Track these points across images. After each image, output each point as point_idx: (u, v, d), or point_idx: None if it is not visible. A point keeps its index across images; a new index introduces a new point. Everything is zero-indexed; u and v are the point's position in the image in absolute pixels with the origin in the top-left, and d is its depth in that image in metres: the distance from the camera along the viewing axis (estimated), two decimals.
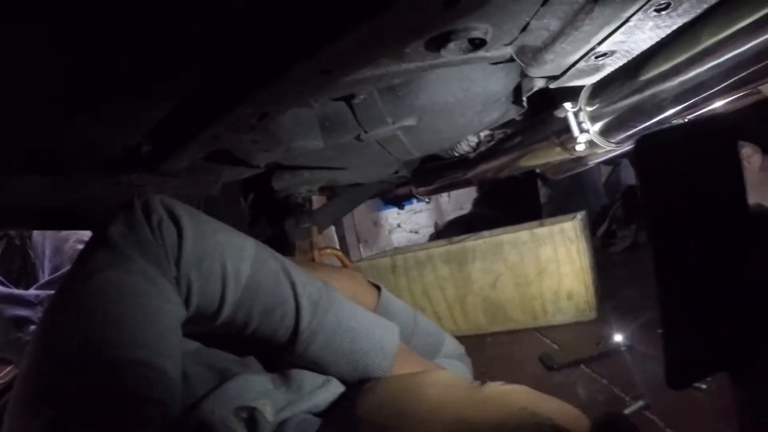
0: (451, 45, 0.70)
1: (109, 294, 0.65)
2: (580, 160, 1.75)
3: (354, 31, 0.52)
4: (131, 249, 0.68)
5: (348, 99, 0.99)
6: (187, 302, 0.72)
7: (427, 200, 2.13)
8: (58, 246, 2.25)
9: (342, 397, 0.80)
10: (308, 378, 0.80)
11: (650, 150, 0.39)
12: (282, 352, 0.80)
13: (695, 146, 0.41)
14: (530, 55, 0.84)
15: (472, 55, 0.80)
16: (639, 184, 0.39)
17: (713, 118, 0.41)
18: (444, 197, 3.42)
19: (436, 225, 3.15)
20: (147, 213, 0.71)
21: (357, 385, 0.80)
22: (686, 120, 0.37)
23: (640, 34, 0.80)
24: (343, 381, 0.82)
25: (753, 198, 0.42)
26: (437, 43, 0.71)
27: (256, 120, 0.79)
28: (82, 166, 0.99)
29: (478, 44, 0.73)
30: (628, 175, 3.31)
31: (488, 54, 0.83)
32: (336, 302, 0.82)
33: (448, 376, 0.76)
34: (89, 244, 0.72)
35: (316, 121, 1.04)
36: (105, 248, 0.69)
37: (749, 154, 1.85)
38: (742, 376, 0.46)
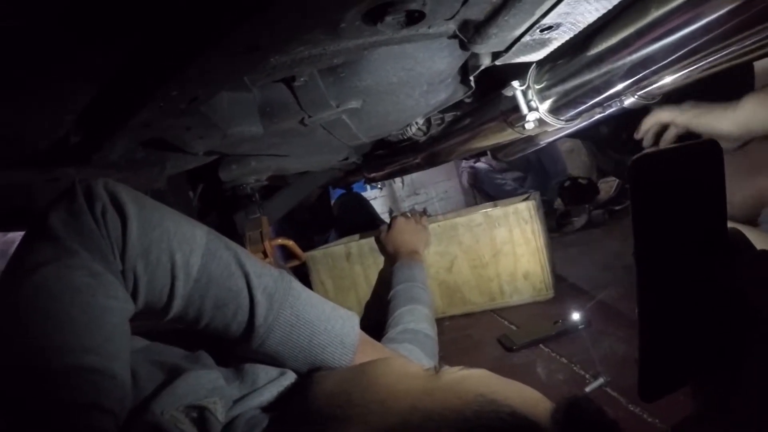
0: (389, 18, 0.67)
1: (51, 293, 0.60)
2: (531, 139, 1.75)
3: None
4: (73, 241, 0.64)
5: (288, 82, 0.95)
6: (134, 297, 0.68)
7: (379, 186, 2.11)
8: (4, 250, 2.16)
9: (294, 389, 0.77)
10: (262, 372, 0.77)
11: (644, 170, 0.40)
12: (236, 347, 0.77)
13: (686, 167, 0.43)
14: (473, 30, 0.81)
15: (413, 31, 0.77)
16: (631, 202, 0.41)
17: (704, 142, 0.42)
18: (398, 183, 3.41)
19: (390, 211, 3.15)
20: (90, 200, 0.66)
21: (309, 375, 0.76)
22: (679, 143, 0.39)
23: (586, 5, 0.78)
24: (297, 372, 0.80)
25: None
26: (373, 17, 0.67)
27: (185, 104, 0.74)
28: (10, 161, 0.93)
29: (416, 18, 0.70)
30: None
31: (430, 30, 0.80)
32: (293, 293, 0.78)
33: (402, 363, 0.73)
34: (29, 235, 0.67)
35: (255, 106, 1.00)
36: (46, 240, 0.64)
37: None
38: (705, 384, 0.48)
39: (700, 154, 0.43)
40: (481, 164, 4.23)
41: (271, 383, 0.76)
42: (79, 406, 0.56)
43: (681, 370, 0.46)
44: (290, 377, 0.78)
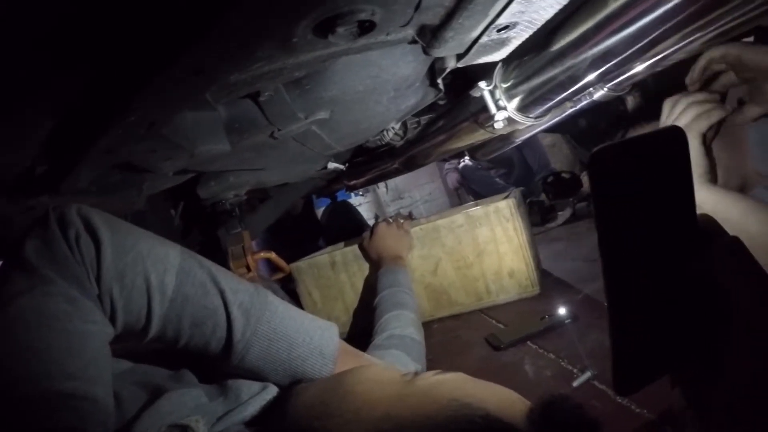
0: (340, 30, 0.67)
1: (29, 322, 0.60)
2: (506, 138, 1.75)
3: (214, 24, 0.48)
4: (48, 269, 0.64)
5: (254, 97, 0.95)
6: (112, 320, 0.68)
7: (361, 193, 2.12)
8: None
9: (276, 402, 0.78)
10: (245, 387, 0.78)
11: (604, 162, 0.40)
12: (217, 363, 0.77)
13: (649, 157, 0.42)
14: (430, 34, 0.81)
15: (371, 39, 0.77)
16: (592, 196, 0.40)
17: (668, 129, 0.42)
18: (382, 188, 3.41)
19: (376, 217, 3.15)
20: (63, 227, 0.66)
21: (290, 388, 0.77)
22: (642, 133, 0.38)
23: (540, 2, 0.78)
24: (279, 385, 0.80)
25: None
26: (324, 30, 0.67)
27: (144, 129, 0.74)
28: None
29: (368, 27, 0.69)
30: None
31: (389, 37, 0.80)
32: (270, 308, 0.79)
33: (378, 370, 0.73)
34: (5, 265, 0.67)
35: (220, 124, 0.99)
36: (21, 270, 0.64)
37: None
38: (682, 377, 0.47)
39: (664, 143, 0.42)
40: (468, 162, 4.22)
41: (254, 398, 0.77)
42: (62, 431, 0.56)
43: (655, 363, 0.45)
44: (272, 391, 0.79)
